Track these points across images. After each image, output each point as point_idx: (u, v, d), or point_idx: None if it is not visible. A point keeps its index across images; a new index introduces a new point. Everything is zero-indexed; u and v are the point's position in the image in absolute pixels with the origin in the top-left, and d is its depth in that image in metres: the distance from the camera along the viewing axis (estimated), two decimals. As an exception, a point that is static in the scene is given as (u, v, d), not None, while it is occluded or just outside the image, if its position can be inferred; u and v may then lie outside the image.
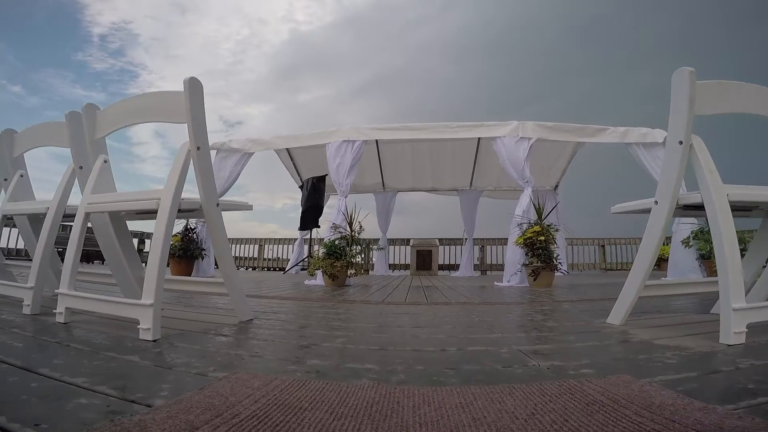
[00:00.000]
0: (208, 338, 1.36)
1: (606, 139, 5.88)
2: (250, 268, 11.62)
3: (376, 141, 8.34)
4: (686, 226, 5.63)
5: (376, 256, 9.87)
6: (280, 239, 11.83)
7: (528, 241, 4.37)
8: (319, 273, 4.55)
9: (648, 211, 1.68)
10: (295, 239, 9.16)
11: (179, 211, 1.58)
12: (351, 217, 4.77)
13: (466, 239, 9.32)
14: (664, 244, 7.84)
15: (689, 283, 1.86)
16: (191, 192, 1.57)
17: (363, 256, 10.94)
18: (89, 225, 1.78)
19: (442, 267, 10.16)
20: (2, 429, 0.62)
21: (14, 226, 2.54)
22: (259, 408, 0.71)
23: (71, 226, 1.75)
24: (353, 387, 0.83)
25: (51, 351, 1.15)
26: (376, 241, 9.93)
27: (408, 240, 10.48)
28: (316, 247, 6.45)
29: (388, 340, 1.35)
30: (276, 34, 38.79)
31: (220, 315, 1.85)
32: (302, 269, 8.24)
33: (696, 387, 0.84)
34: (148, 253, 7.48)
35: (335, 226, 4.69)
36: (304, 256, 8.55)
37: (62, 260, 1.93)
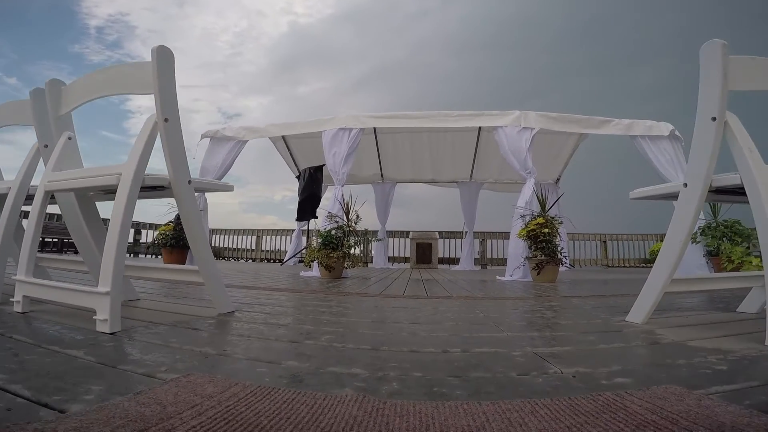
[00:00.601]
0: (176, 332, 1.18)
1: (610, 131, 5.70)
2: (250, 260, 11.46)
3: (375, 131, 8.16)
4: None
5: (374, 249, 9.71)
6: (278, 230, 11.66)
7: (531, 233, 4.19)
8: (315, 264, 4.38)
9: (672, 196, 1.51)
10: (293, 230, 9.00)
11: (146, 188, 1.41)
12: (348, 206, 4.59)
13: (467, 232, 9.15)
14: (662, 241, 7.71)
15: (722, 279, 1.68)
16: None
17: (362, 247, 10.85)
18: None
19: (442, 260, 10.00)
20: None
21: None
22: (202, 423, 0.54)
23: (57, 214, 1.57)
24: (332, 399, 0.65)
25: (-17, 347, 0.98)
26: (374, 233, 9.76)
27: (407, 232, 10.31)
28: (313, 238, 6.29)
29: (382, 339, 1.17)
30: (275, 26, 38.32)
31: (201, 306, 1.68)
32: (300, 261, 8.08)
33: (766, 400, 0.67)
34: (143, 244, 7.34)
35: (331, 216, 4.51)
36: (302, 248, 8.39)
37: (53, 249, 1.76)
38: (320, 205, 7.18)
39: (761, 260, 1.21)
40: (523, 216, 4.48)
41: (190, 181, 1.40)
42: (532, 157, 5.18)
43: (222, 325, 1.33)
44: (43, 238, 10.88)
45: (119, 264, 1.18)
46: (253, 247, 11.70)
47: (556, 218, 4.26)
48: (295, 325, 1.36)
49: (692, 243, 5.38)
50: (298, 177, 8.01)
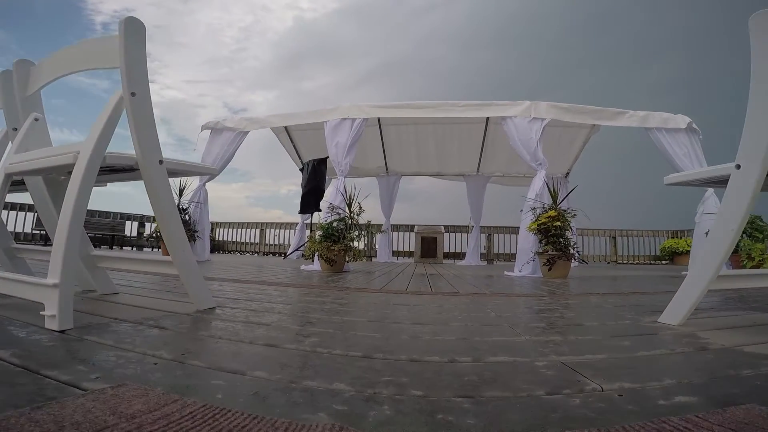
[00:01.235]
0: (137, 331, 1.01)
1: (625, 123, 5.46)
2: (255, 254, 11.36)
3: (379, 122, 7.96)
4: (709, 216, 5.22)
5: (378, 242, 9.54)
6: (281, 224, 11.53)
7: (542, 227, 3.98)
8: (316, 257, 4.22)
9: (717, 181, 1.31)
10: (297, 224, 8.85)
11: (112, 170, 1.24)
12: (350, 197, 4.41)
13: (473, 227, 8.95)
14: (677, 237, 7.46)
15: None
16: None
17: (366, 241, 10.68)
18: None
19: (447, 255, 9.81)
20: None
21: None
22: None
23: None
24: (296, 429, 0.48)
25: None
26: (379, 227, 9.58)
27: (412, 226, 10.13)
28: (315, 231, 6.13)
29: (378, 343, 0.99)
30: (280, 21, 38.02)
31: (182, 302, 1.52)
32: (303, 255, 7.95)
33: None
34: (147, 237, 7.20)
35: (332, 207, 4.33)
36: (305, 241, 8.24)
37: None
38: (324, 197, 7.03)
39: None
40: (533, 209, 4.27)
41: (161, 161, 1.22)
42: (542, 150, 4.97)
43: (194, 324, 1.16)
44: (41, 231, 10.88)
45: (71, 253, 1.02)
46: (257, 241, 11.59)
47: (569, 211, 4.05)
48: (278, 324, 1.18)
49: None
50: (301, 170, 7.84)
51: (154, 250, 10.56)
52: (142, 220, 11.98)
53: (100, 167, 1.16)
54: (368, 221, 4.27)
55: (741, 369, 0.79)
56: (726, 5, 23.25)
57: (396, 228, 10.17)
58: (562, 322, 1.34)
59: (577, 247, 4.02)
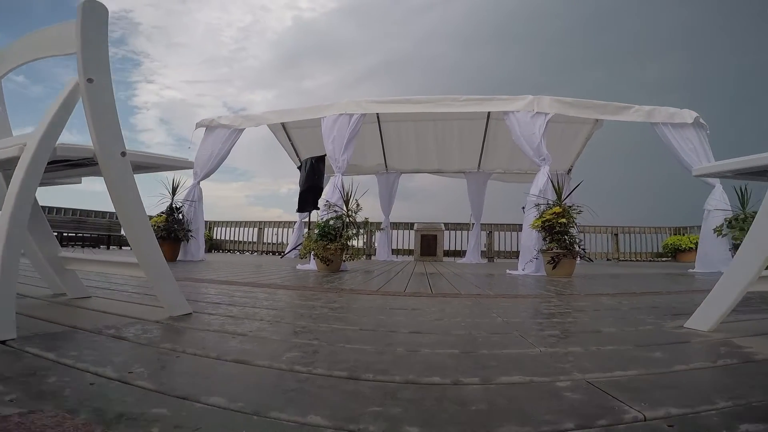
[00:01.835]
0: (90, 343, 0.88)
1: (630, 117, 5.31)
2: (254, 253, 11.24)
3: (378, 119, 7.82)
4: (719, 212, 5.08)
5: (378, 240, 9.40)
6: (279, 222, 11.40)
7: (547, 224, 3.84)
8: (312, 257, 4.08)
9: (754, 172, 1.17)
10: (295, 222, 8.72)
11: (66, 164, 1.10)
12: (347, 195, 4.26)
13: (473, 224, 8.82)
14: (680, 234, 7.31)
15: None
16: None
17: (365, 239, 10.54)
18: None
19: (447, 253, 9.68)
20: None
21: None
22: None
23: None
24: None
25: None
26: (378, 225, 9.44)
27: (412, 224, 9.99)
28: (311, 229, 6.00)
29: (369, 358, 0.86)
30: (279, 21, 37.81)
31: (156, 308, 1.37)
32: (299, 254, 7.83)
33: None
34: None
35: (329, 205, 4.19)
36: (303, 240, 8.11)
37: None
38: (322, 195, 6.90)
39: None
40: (537, 205, 4.13)
41: (124, 153, 1.08)
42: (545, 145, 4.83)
43: (159, 334, 1.02)
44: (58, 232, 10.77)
45: (10, 254, 0.88)
46: (255, 240, 11.46)
47: (574, 207, 3.91)
48: (256, 335, 1.04)
49: (717, 236, 5.00)
50: (299, 167, 7.71)
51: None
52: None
53: (55, 161, 1.02)
54: (366, 219, 4.13)
55: (807, 390, 0.65)
56: (725, 3, 23.09)
57: (395, 226, 10.04)
58: (576, 329, 1.20)
59: (582, 245, 3.87)
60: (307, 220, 8.07)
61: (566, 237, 3.80)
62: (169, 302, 1.22)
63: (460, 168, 8.89)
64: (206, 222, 11.50)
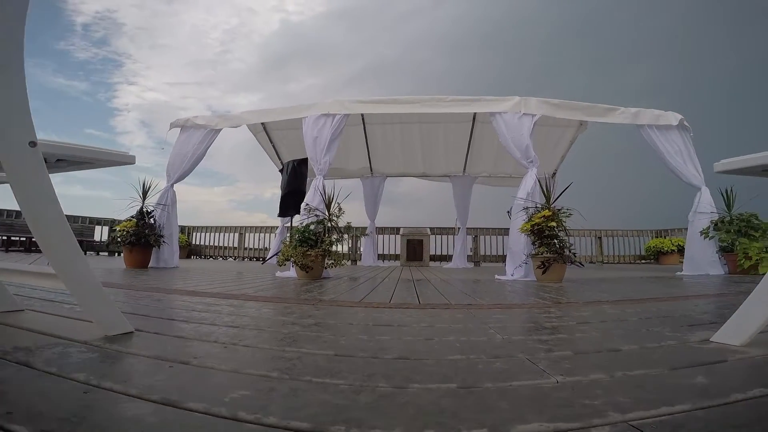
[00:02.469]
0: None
1: (616, 119, 5.27)
2: (235, 258, 10.87)
3: (363, 121, 7.65)
4: (705, 215, 5.06)
5: (363, 245, 9.19)
6: (261, 227, 11.09)
7: (536, 227, 3.71)
8: (291, 264, 3.85)
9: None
10: (278, 227, 8.44)
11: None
12: (329, 198, 4.05)
13: (459, 228, 8.70)
14: (661, 237, 7.34)
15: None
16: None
17: (350, 244, 10.30)
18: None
19: (433, 257, 9.54)
20: None
21: None
22: None
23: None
24: None
25: None
26: (363, 230, 9.24)
27: (398, 229, 9.83)
28: (288, 235, 5.76)
29: (340, 402, 0.66)
30: (266, 24, 37.34)
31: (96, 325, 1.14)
32: (277, 261, 7.55)
33: None
34: (106, 241, 6.64)
35: (309, 209, 3.97)
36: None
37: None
38: (304, 200, 6.67)
39: None
40: (526, 208, 4.00)
41: (34, 143, 0.86)
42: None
43: (81, 359, 0.80)
44: (8, 237, 10.13)
45: None
46: (236, 245, 11.10)
47: (563, 210, 3.79)
48: (202, 362, 0.83)
49: (705, 239, 4.97)
50: (281, 171, 7.47)
51: (118, 255, 9.96)
52: (113, 224, 11.33)
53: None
54: (348, 223, 3.92)
55: None
56: (707, 9, 23.87)
57: (381, 230, 9.86)
58: (590, 347, 1.03)
59: (573, 249, 3.75)
60: (289, 225, 7.81)
61: (556, 241, 3.67)
62: (100, 319, 1.00)
63: (446, 172, 8.79)
64: (184, 227, 11.12)
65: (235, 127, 5.85)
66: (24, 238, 10.23)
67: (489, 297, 2.29)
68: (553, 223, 3.65)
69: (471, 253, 9.72)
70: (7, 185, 0.83)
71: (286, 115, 5.41)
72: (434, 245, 9.84)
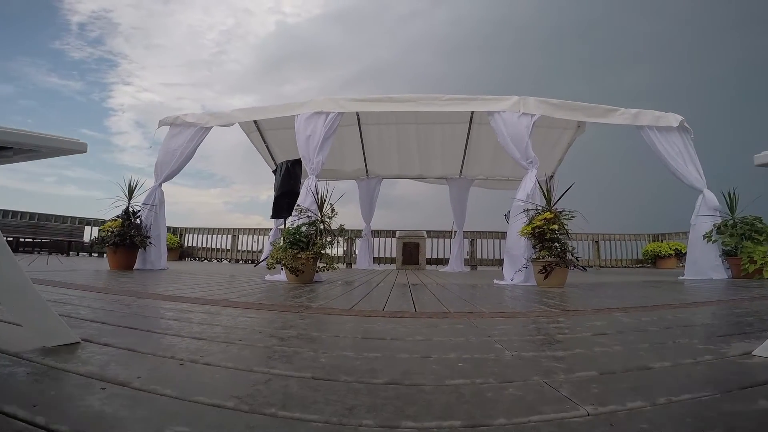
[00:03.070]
0: None
1: (616, 120, 5.15)
2: (229, 261, 10.66)
3: (359, 121, 7.50)
4: (707, 218, 4.94)
5: (359, 248, 9.03)
6: (255, 229, 10.89)
7: (537, 230, 3.56)
8: (281, 267, 3.67)
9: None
10: (271, 229, 8.26)
11: None
12: (322, 199, 3.89)
13: (456, 232, 8.56)
14: (658, 241, 7.24)
15: None
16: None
17: (345, 247, 10.12)
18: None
19: (430, 261, 9.40)
20: None
21: None
22: None
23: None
24: None
25: None
26: (358, 232, 9.08)
27: (394, 232, 9.66)
28: (279, 237, 5.58)
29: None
30: (262, 25, 37.15)
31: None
32: (266, 265, 7.37)
33: None
34: (90, 242, 6.43)
35: (301, 209, 3.81)
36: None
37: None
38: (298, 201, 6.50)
39: None
40: (526, 210, 3.86)
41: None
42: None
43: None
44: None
45: None
46: (229, 247, 10.89)
47: (565, 212, 3.65)
48: (144, 384, 0.67)
49: (708, 242, 4.85)
50: (274, 171, 7.31)
51: (89, 255, 9.75)
52: (103, 225, 11.09)
53: None
54: (341, 225, 3.76)
55: None
56: (697, 15, 24.03)
57: (377, 233, 9.70)
58: (616, 365, 0.87)
59: (576, 253, 3.61)
60: (282, 226, 7.63)
61: (557, 244, 3.53)
62: (37, 328, 0.83)
63: (443, 174, 8.65)
64: (177, 229, 10.90)
65: (227, 125, 5.67)
66: (11, 239, 9.99)
67: (490, 304, 2.13)
68: (555, 226, 3.51)
69: (468, 257, 9.59)
70: None
71: (278, 112, 5.25)
72: (430, 248, 9.70)
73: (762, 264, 4.37)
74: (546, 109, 4.81)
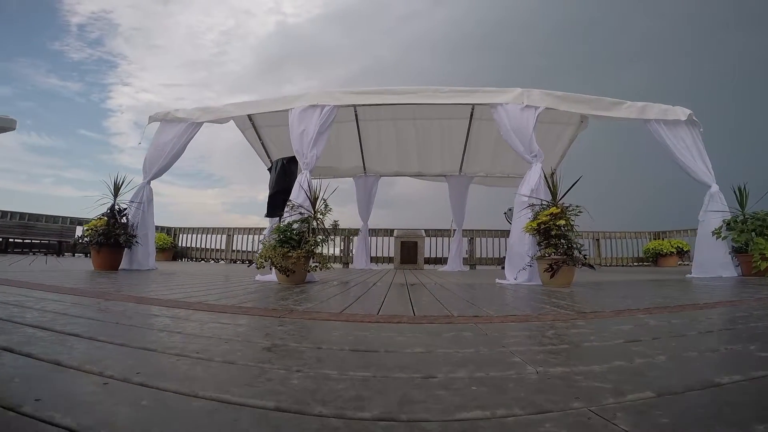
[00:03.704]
0: None
1: (622, 114, 4.95)
2: (222, 261, 10.45)
3: (356, 117, 7.29)
4: (716, 214, 4.75)
5: (356, 247, 8.82)
6: (250, 228, 10.69)
7: (543, 227, 3.37)
8: (271, 266, 3.47)
9: None
10: (266, 228, 8.05)
11: None
12: (315, 195, 3.69)
13: (455, 230, 8.37)
14: (659, 239, 7.06)
15: None
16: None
17: (341, 247, 9.91)
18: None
19: (428, 260, 9.21)
20: None
21: None
22: None
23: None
24: None
25: None
26: (355, 231, 8.88)
27: (392, 230, 9.47)
28: (267, 235, 5.38)
29: None
30: (262, 26, 36.93)
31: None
32: (256, 264, 7.17)
33: None
34: (74, 242, 6.19)
35: (293, 206, 3.61)
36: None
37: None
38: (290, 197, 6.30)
39: None
40: (531, 206, 3.66)
41: None
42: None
43: None
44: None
45: None
46: (224, 247, 10.67)
47: (572, 207, 3.46)
48: (40, 408, 0.47)
49: (717, 239, 4.67)
50: (269, 169, 7.10)
51: (85, 256, 9.53)
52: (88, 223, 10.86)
53: None
54: (335, 222, 3.56)
55: None
56: (694, 14, 23.92)
57: (375, 232, 9.50)
58: (675, 382, 0.68)
59: (584, 250, 3.41)
60: (277, 225, 7.42)
61: (564, 241, 3.34)
62: None
63: (442, 171, 8.46)
64: (171, 229, 10.67)
65: (220, 122, 5.45)
66: (0, 239, 9.76)
67: (496, 306, 1.94)
68: (562, 222, 3.31)
69: (467, 256, 9.41)
70: None
71: (272, 106, 5.04)
72: (429, 247, 9.50)
73: (775, 261, 4.19)
74: (550, 101, 4.61)
